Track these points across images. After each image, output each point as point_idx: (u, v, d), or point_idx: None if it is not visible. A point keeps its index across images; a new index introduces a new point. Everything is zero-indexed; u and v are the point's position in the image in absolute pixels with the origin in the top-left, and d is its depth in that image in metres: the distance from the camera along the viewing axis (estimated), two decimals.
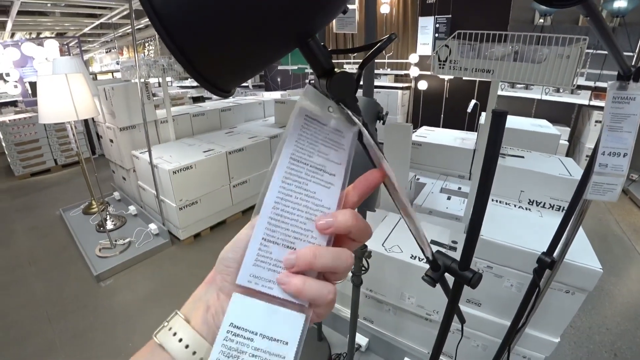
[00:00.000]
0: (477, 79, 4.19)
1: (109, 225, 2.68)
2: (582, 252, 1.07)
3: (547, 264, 0.78)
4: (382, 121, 0.60)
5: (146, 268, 2.29)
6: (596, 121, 3.55)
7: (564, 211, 0.83)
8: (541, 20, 3.93)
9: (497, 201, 1.38)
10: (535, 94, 4.03)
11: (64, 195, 3.54)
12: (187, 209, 2.44)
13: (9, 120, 3.90)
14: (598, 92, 3.69)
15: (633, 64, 0.79)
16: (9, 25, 5.81)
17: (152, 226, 2.54)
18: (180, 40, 0.21)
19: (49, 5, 5.11)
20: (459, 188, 2.06)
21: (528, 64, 1.30)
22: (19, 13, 5.12)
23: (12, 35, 6.87)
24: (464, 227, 1.69)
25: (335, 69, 0.26)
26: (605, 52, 3.65)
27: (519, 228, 1.19)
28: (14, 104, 5.91)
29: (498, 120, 0.43)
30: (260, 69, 0.27)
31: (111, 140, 2.90)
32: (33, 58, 6.11)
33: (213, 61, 0.23)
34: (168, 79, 3.11)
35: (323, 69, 0.26)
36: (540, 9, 3.82)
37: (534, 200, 1.38)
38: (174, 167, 2.29)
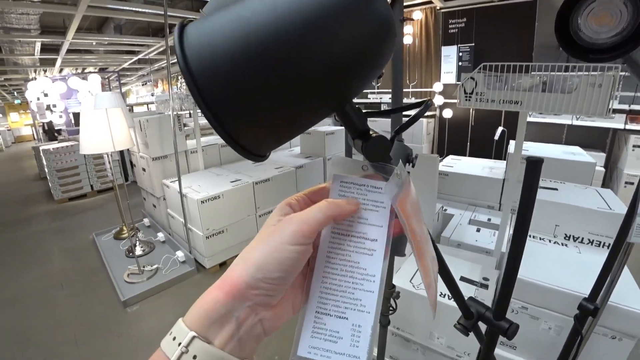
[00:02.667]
0: None
1: (138, 250, 2.76)
2: (628, 294, 0.99)
3: (590, 311, 0.73)
4: (412, 164, 0.60)
5: (172, 295, 2.32)
6: (634, 145, 3.37)
7: (608, 253, 0.77)
8: None
9: (531, 236, 1.32)
10: (565, 119, 3.90)
11: (98, 219, 3.71)
12: (214, 237, 2.48)
13: (53, 149, 4.21)
14: (634, 115, 3.53)
15: None
16: (59, 62, 6.40)
17: (180, 253, 2.59)
18: (215, 108, 0.22)
19: (94, 44, 5.61)
20: (489, 219, 1.99)
21: (557, 94, 1.27)
22: (68, 51, 5.66)
23: (61, 70, 7.54)
24: (495, 262, 1.61)
25: (371, 132, 0.27)
26: None
27: (556, 266, 1.13)
28: (58, 132, 6.39)
29: (533, 168, 0.42)
30: (297, 134, 0.28)
31: (144, 169, 3.04)
32: (77, 91, 6.64)
33: (250, 132, 0.24)
34: (198, 111, 3.27)
35: (358, 130, 0.27)
36: None
37: (570, 235, 1.31)
38: (203, 196, 2.36)
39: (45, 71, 7.52)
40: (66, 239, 3.26)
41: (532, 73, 1.37)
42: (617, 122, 3.63)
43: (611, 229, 1.24)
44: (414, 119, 0.27)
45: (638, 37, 0.30)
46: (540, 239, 1.31)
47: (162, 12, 2.12)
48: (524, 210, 0.45)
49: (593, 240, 1.28)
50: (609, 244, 1.25)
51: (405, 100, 5.39)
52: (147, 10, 4.04)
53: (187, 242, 2.62)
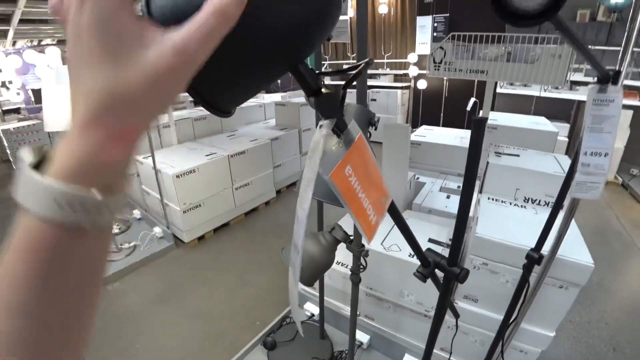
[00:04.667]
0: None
1: (114, 229, 2.73)
2: (575, 248, 1.10)
3: (535, 259, 0.81)
4: (374, 127, 0.64)
5: (152, 271, 2.33)
6: None
7: (551, 208, 0.86)
8: None
9: (493, 199, 1.41)
10: (534, 91, 4.04)
11: None
12: (191, 212, 2.48)
13: (13, 128, 3.97)
14: None
15: (617, 65, 0.82)
16: (11, 34, 5.89)
17: (157, 229, 2.58)
18: None
19: (49, 12, 5.20)
20: (458, 187, 2.09)
21: (521, 64, 1.33)
22: (20, 21, 5.21)
23: (14, 43, 6.96)
24: None
25: (323, 89, 0.29)
26: (605, 48, 3.66)
27: (514, 225, 1.22)
28: (17, 111, 5.99)
29: (478, 126, 0.46)
30: (256, 92, 0.30)
31: None
32: (35, 65, 6.18)
33: (214, 86, 0.27)
34: None
35: (311, 89, 0.29)
36: (609, 4, 3.72)
37: (529, 198, 1.41)
38: (177, 171, 2.33)
39: None
40: None
41: (498, 44, 1.42)
42: (581, 94, 3.80)
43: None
44: (356, 76, 0.30)
45: (557, 3, 0.34)
46: (502, 201, 1.40)
47: None
48: (471, 165, 0.49)
49: (549, 202, 1.38)
50: (563, 206, 1.37)
51: (381, 71, 5.38)
52: None
53: (164, 217, 2.60)
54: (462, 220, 0.54)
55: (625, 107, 3.46)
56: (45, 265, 0.20)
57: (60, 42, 7.63)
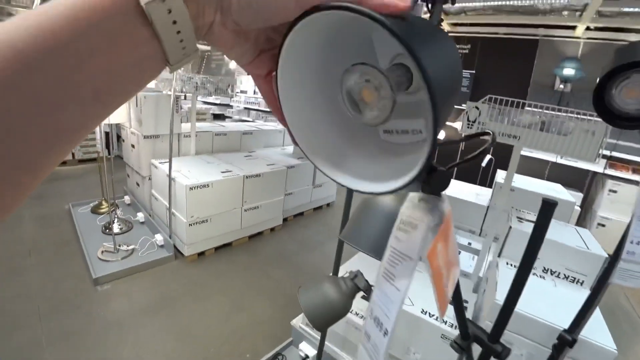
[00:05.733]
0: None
1: (115, 228, 2.69)
2: (596, 330, 1.06)
3: (569, 342, 0.78)
4: None
5: (146, 279, 2.27)
6: (610, 190, 3.56)
7: (591, 291, 0.83)
8: (561, 86, 4.05)
9: (511, 265, 1.38)
10: (550, 156, 4.07)
11: (76, 190, 3.58)
12: (197, 226, 2.45)
13: None
14: (613, 162, 3.74)
15: None
16: None
17: (158, 237, 2.54)
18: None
19: None
20: (469, 243, 2.05)
21: (554, 135, 1.34)
22: None
23: None
24: (472, 285, 1.67)
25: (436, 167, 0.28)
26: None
27: (533, 296, 1.18)
28: None
29: (547, 209, 0.45)
30: None
31: (133, 146, 2.97)
32: None
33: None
34: (198, 96, 3.23)
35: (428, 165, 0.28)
36: (561, 75, 3.96)
37: (548, 269, 1.37)
38: (192, 183, 2.32)
39: None
40: (40, 205, 3.12)
41: (532, 110, 1.44)
42: (597, 166, 3.82)
43: (586, 267, 1.31)
44: (478, 154, 0.29)
45: None
46: None
47: None
48: (533, 246, 0.48)
49: (568, 276, 1.34)
50: (583, 281, 1.33)
51: None
52: None
53: (169, 226, 2.57)
54: (514, 297, 0.52)
55: None
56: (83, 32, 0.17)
57: None
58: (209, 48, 8.62)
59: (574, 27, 3.86)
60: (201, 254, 2.60)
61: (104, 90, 0.19)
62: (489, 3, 3.64)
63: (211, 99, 7.43)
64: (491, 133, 0.31)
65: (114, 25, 0.18)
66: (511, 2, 3.49)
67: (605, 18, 3.55)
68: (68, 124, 0.19)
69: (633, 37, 3.74)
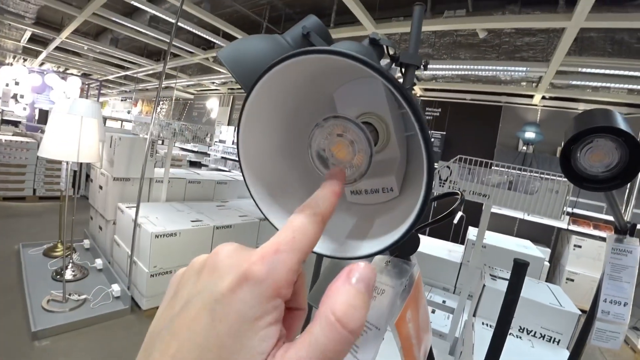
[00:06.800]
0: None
1: (68, 274, 2.45)
2: None
3: None
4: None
5: (94, 334, 2.02)
6: (575, 245, 3.68)
7: (570, 353, 0.80)
8: (524, 148, 4.37)
9: (487, 325, 1.34)
10: (518, 213, 4.24)
11: (31, 229, 3.31)
12: (159, 277, 2.27)
13: (5, 140, 3.88)
14: (575, 218, 3.93)
15: (626, 219, 0.86)
16: (43, 55, 6.17)
17: (115, 287, 2.32)
18: None
19: (85, 48, 5.52)
20: (444, 302, 2.01)
21: (521, 194, 1.40)
22: (56, 48, 5.50)
23: (42, 64, 7.25)
24: (448, 347, 1.60)
25: None
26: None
27: (511, 358, 1.13)
28: (15, 124, 5.92)
29: (519, 270, 0.44)
30: None
31: (100, 187, 2.84)
32: (52, 88, 6.33)
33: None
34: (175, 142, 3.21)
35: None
36: (523, 137, 4.29)
37: (524, 328, 1.34)
38: (158, 230, 2.20)
39: (25, 60, 7.19)
40: None
41: (499, 169, 1.51)
42: (561, 222, 4.00)
43: (561, 325, 1.30)
44: (447, 216, 0.28)
45: (625, 175, 0.35)
46: None
47: (162, 37, 2.15)
48: (508, 307, 0.46)
49: (544, 335, 1.32)
50: (559, 340, 1.30)
51: None
52: (149, 33, 4.12)
53: (128, 276, 2.37)
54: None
55: None
56: None
57: (84, 75, 8.00)
58: (192, 97, 8.84)
59: (531, 96, 4.29)
60: None
61: None
62: (456, 72, 4.01)
63: (189, 146, 7.43)
64: (459, 193, 0.30)
65: None
66: (475, 72, 3.85)
67: (557, 89, 3.99)
68: None
69: (582, 106, 4.20)
